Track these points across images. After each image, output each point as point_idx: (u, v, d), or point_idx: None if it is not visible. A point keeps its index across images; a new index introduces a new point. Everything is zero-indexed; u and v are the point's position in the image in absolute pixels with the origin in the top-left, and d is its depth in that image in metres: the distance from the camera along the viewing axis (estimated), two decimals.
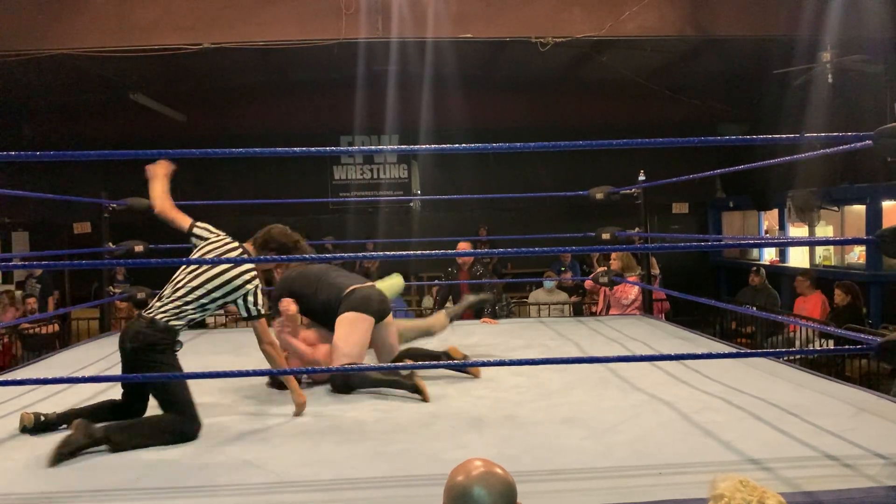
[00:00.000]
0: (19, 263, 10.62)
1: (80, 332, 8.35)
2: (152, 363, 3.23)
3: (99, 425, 3.04)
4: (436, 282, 7.05)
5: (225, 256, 3.51)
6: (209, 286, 3.39)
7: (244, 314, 3.52)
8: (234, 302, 3.48)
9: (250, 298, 3.47)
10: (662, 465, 2.74)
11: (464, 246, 6.88)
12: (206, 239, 3.63)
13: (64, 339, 8.58)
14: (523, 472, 2.54)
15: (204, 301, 3.39)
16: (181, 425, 3.19)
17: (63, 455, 2.90)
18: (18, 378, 4.19)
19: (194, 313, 3.39)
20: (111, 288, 6.73)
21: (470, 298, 5.23)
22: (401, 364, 4.07)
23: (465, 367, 4.20)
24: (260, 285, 3.54)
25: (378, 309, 4.24)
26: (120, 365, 3.43)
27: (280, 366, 3.59)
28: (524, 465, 2.72)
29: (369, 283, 4.44)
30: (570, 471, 2.73)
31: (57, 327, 8.84)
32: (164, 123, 12.40)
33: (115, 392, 3.63)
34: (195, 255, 3.52)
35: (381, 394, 3.96)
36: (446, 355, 4.37)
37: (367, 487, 2.64)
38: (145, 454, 3.04)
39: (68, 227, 12.30)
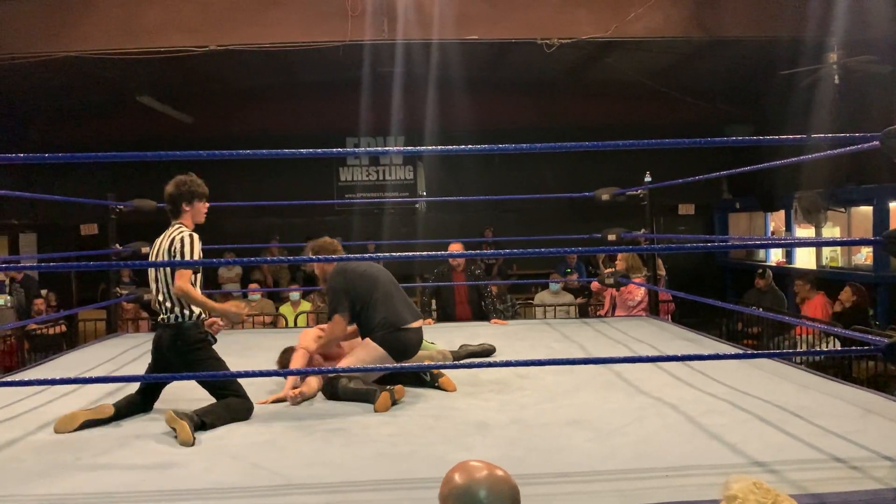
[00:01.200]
0: (22, 265, 10.64)
1: (86, 334, 8.38)
2: (199, 364, 3.58)
3: (192, 411, 3.34)
4: (428, 283, 6.96)
5: (186, 242, 3.64)
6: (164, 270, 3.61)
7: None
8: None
9: (177, 249, 3.59)
10: (668, 468, 2.73)
11: (456, 247, 6.77)
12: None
13: (71, 341, 8.62)
14: (528, 474, 2.54)
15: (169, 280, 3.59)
16: (244, 405, 3.57)
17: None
18: (26, 379, 4.21)
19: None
20: (118, 289, 6.76)
21: (474, 347, 5.01)
22: (386, 367, 4.02)
23: (445, 368, 4.10)
24: (191, 239, 3.63)
25: (407, 357, 4.21)
26: (128, 365, 3.49)
27: (196, 297, 3.61)
28: (529, 467, 2.72)
29: (419, 325, 4.31)
30: (575, 473, 2.73)
31: (64, 328, 8.88)
32: (171, 125, 12.44)
33: (124, 392, 3.80)
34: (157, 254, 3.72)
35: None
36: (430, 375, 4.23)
37: (372, 490, 2.64)
38: (151, 457, 3.05)
39: (76, 228, 12.34)
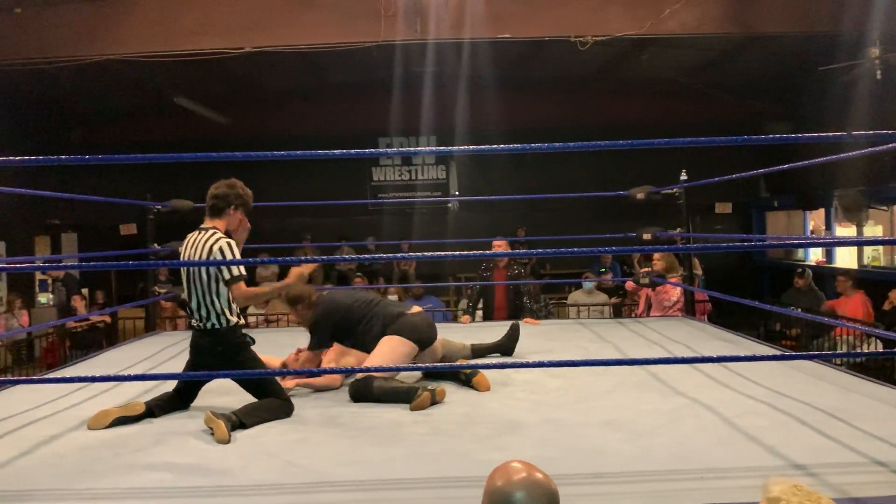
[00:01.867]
0: (64, 265, 10.87)
1: (126, 331, 8.55)
2: (241, 363, 3.64)
3: (231, 411, 3.40)
4: (471, 283, 6.97)
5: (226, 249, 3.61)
6: (202, 275, 3.61)
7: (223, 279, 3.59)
8: (218, 272, 3.59)
9: (221, 259, 3.56)
10: (703, 470, 2.70)
11: (500, 244, 6.77)
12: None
13: (111, 338, 8.80)
14: (562, 474, 2.52)
15: (213, 287, 3.59)
16: (284, 406, 3.62)
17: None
18: (67, 376, 4.31)
19: (221, 301, 3.62)
20: (156, 288, 6.87)
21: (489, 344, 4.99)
22: (413, 367, 4.08)
23: (479, 368, 4.10)
24: (230, 246, 3.59)
25: (425, 338, 4.22)
26: (166, 363, 3.55)
27: (262, 294, 3.91)
28: (563, 467, 2.70)
29: (419, 311, 4.36)
30: (609, 474, 2.70)
31: (107, 322, 9.05)
32: (207, 126, 12.62)
33: (162, 389, 3.88)
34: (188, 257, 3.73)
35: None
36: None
37: (404, 488, 2.65)
38: (188, 455, 3.10)
39: (115, 228, 12.60)
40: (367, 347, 4.16)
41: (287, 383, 4.02)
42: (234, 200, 3.77)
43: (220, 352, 3.63)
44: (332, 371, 4.13)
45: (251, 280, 11.08)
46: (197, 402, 3.79)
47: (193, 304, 3.66)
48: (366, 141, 12.74)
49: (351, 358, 4.37)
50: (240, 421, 3.37)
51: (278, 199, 7.88)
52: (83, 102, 11.51)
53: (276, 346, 4.89)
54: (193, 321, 3.70)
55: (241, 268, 3.60)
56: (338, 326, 4.23)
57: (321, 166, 12.84)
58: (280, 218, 13.02)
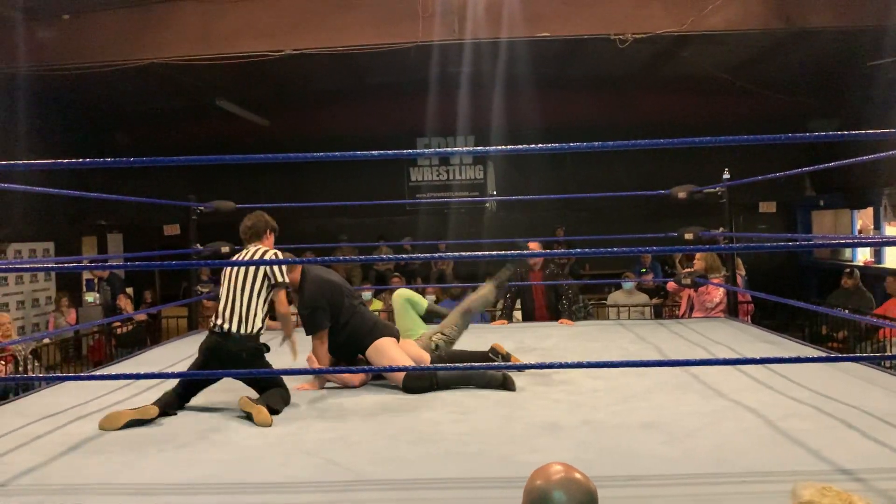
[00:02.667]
0: (109, 265, 11.12)
1: (169, 330, 8.71)
2: (261, 366, 3.90)
3: (259, 396, 3.69)
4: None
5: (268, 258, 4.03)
6: (254, 279, 3.93)
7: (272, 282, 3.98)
8: (267, 280, 3.96)
9: (276, 270, 3.98)
10: (745, 473, 2.65)
11: (534, 246, 6.72)
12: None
13: (155, 336, 8.98)
14: (600, 476, 2.49)
15: (258, 292, 3.90)
16: (287, 394, 3.86)
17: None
18: (113, 373, 4.40)
19: (256, 308, 3.91)
20: (199, 287, 6.98)
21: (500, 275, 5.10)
22: (458, 365, 4.21)
23: (517, 368, 4.19)
24: (278, 257, 4.03)
25: (396, 334, 4.49)
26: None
27: (289, 327, 4.13)
28: (601, 469, 2.68)
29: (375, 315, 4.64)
30: (648, 477, 2.67)
31: (150, 320, 9.23)
32: (248, 128, 12.80)
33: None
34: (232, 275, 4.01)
35: (457, 395, 3.98)
36: (493, 352, 4.46)
37: (441, 488, 2.66)
38: (230, 451, 3.15)
39: (159, 228, 12.85)
40: (343, 347, 4.33)
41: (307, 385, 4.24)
42: (267, 225, 4.22)
43: (245, 358, 3.84)
44: (355, 371, 4.20)
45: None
46: (194, 402, 3.88)
47: (231, 308, 3.87)
48: (403, 141, 12.79)
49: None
50: (270, 407, 3.60)
51: (317, 200, 8.01)
52: (128, 106, 11.76)
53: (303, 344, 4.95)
54: (223, 326, 3.86)
55: (286, 277, 4.02)
56: (331, 305, 4.27)
57: (359, 167, 12.91)
58: (320, 218, 13.16)
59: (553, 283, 6.53)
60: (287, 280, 4.04)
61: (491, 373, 4.09)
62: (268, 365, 3.98)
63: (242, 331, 3.85)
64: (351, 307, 4.34)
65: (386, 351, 4.25)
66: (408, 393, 4.05)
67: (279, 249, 4.18)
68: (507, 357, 4.47)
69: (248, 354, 3.85)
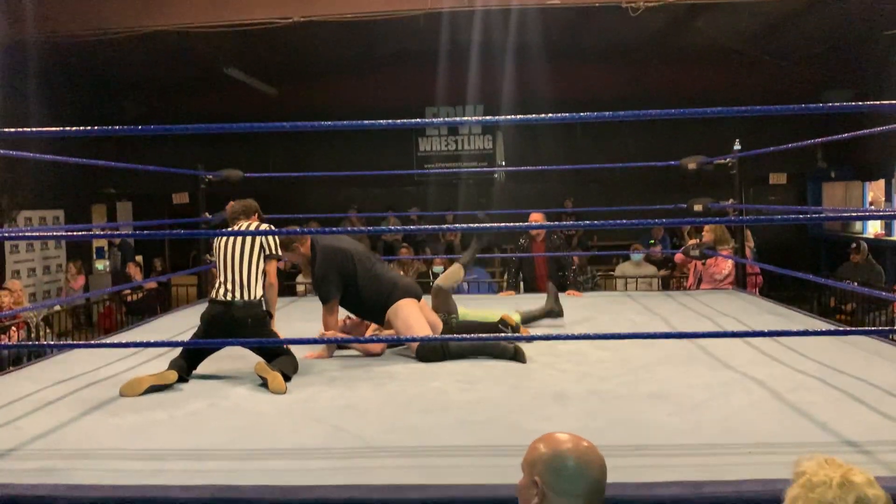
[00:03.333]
0: (119, 233, 11.17)
1: (178, 298, 8.76)
2: (265, 335, 3.91)
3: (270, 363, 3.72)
4: (510, 255, 6.91)
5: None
6: (241, 250, 4.00)
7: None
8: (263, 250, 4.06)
9: (272, 241, 4.08)
10: (752, 444, 2.66)
11: (536, 217, 6.65)
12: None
13: (164, 304, 9.04)
14: (607, 446, 2.50)
15: (255, 261, 3.98)
16: (297, 363, 3.88)
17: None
18: (123, 341, 4.45)
19: (257, 275, 3.98)
20: (208, 256, 7.01)
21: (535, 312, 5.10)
22: (471, 336, 4.21)
23: (525, 339, 4.20)
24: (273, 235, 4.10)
25: (419, 293, 4.47)
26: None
27: (273, 303, 4.17)
28: (608, 439, 2.69)
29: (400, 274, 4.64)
30: (655, 447, 2.69)
31: (156, 291, 9.29)
32: (257, 98, 12.73)
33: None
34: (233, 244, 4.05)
35: (465, 365, 4.01)
36: (502, 323, 4.47)
37: (450, 455, 2.68)
38: (240, 418, 3.18)
39: (168, 197, 12.86)
40: (367, 309, 4.38)
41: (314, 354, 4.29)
42: (256, 209, 4.35)
43: (251, 324, 3.88)
44: (368, 340, 4.21)
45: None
46: (203, 370, 3.92)
47: (231, 278, 3.93)
48: (412, 111, 12.69)
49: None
50: (284, 374, 3.67)
51: (326, 170, 7.98)
52: (137, 74, 11.71)
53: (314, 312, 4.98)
54: (226, 295, 3.90)
55: (279, 251, 4.14)
56: (342, 274, 4.29)
57: (368, 137, 12.87)
58: (328, 188, 13.14)
59: (553, 254, 6.48)
60: (279, 253, 4.13)
61: (503, 344, 4.12)
62: (273, 332, 4.03)
63: (245, 297, 3.90)
64: (366, 270, 4.33)
65: (403, 314, 4.26)
66: (420, 361, 4.09)
67: (284, 221, 4.28)
68: (515, 328, 4.50)
69: (252, 321, 3.89)
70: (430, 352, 4.10)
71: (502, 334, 4.41)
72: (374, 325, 4.55)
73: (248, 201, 4.38)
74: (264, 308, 4.03)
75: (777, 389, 3.35)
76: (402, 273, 4.60)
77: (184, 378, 3.75)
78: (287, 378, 3.68)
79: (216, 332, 3.89)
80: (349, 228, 10.21)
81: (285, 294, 7.49)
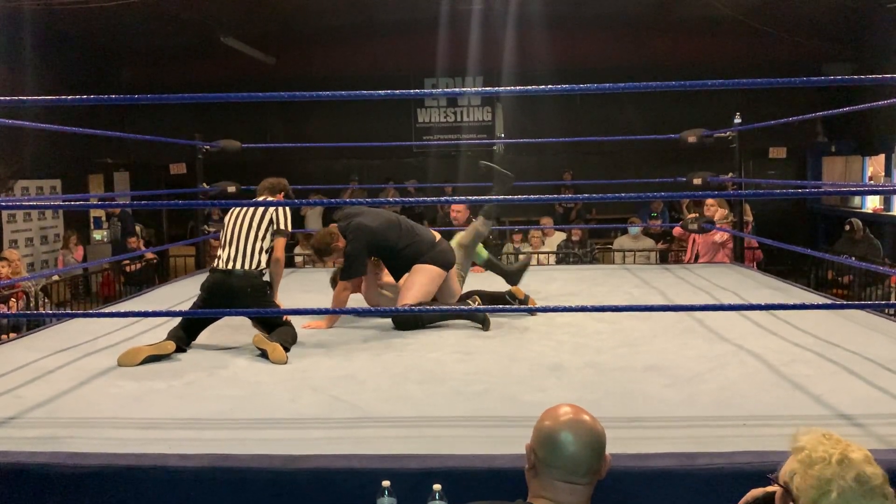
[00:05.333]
0: (117, 203, 11.14)
1: (177, 269, 8.77)
2: (266, 305, 3.96)
3: (269, 334, 3.74)
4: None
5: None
6: (251, 221, 4.04)
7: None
8: (273, 224, 4.08)
9: (281, 214, 4.10)
10: (747, 417, 2.68)
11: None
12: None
13: (162, 275, 9.04)
14: (603, 417, 2.50)
15: (263, 234, 4.01)
16: (295, 334, 3.91)
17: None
18: (122, 311, 4.46)
19: (262, 246, 4.02)
20: (206, 227, 7.00)
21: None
22: (465, 308, 4.31)
23: (531, 311, 4.22)
24: (286, 209, 4.14)
25: (450, 262, 4.52)
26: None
27: (278, 279, 4.25)
28: (604, 410, 2.69)
29: (439, 237, 4.62)
30: (651, 418, 2.71)
31: (157, 259, 9.30)
32: (254, 67, 12.63)
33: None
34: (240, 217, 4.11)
35: (463, 336, 4.03)
36: (510, 295, 4.51)
37: (446, 426, 2.70)
38: (238, 388, 3.20)
39: (165, 167, 12.82)
40: (400, 271, 4.47)
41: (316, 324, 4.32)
42: (284, 188, 4.44)
43: (251, 293, 3.90)
44: (357, 311, 4.24)
45: (296, 215, 11.36)
46: (202, 340, 3.93)
47: (234, 247, 3.97)
48: (412, 82, 12.60)
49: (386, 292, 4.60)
50: (283, 345, 3.67)
51: (324, 140, 7.93)
52: (133, 43, 11.60)
53: (313, 283, 4.97)
54: (228, 264, 3.94)
55: (289, 226, 4.14)
56: (372, 251, 4.39)
57: (366, 107, 12.77)
58: (326, 159, 13.08)
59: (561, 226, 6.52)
60: (289, 228, 4.14)
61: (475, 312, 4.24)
62: (273, 303, 4.05)
63: (246, 267, 3.92)
64: (406, 237, 4.40)
65: (411, 279, 4.38)
66: (396, 328, 4.20)
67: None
68: (524, 301, 4.49)
69: (252, 289, 3.90)
70: (403, 321, 4.20)
71: (508, 305, 4.47)
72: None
73: (279, 180, 4.44)
74: (265, 279, 4.03)
75: (772, 362, 3.37)
76: (438, 237, 4.54)
77: (182, 349, 3.76)
78: (286, 349, 3.69)
79: (216, 300, 3.89)
80: (347, 200, 10.18)
81: (284, 265, 7.49)
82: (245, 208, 4.14)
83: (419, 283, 4.35)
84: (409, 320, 4.19)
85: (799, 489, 1.44)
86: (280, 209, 4.10)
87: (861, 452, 1.44)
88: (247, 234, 4.00)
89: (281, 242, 4.16)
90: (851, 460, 1.42)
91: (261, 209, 4.08)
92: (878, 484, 1.40)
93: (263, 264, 4.01)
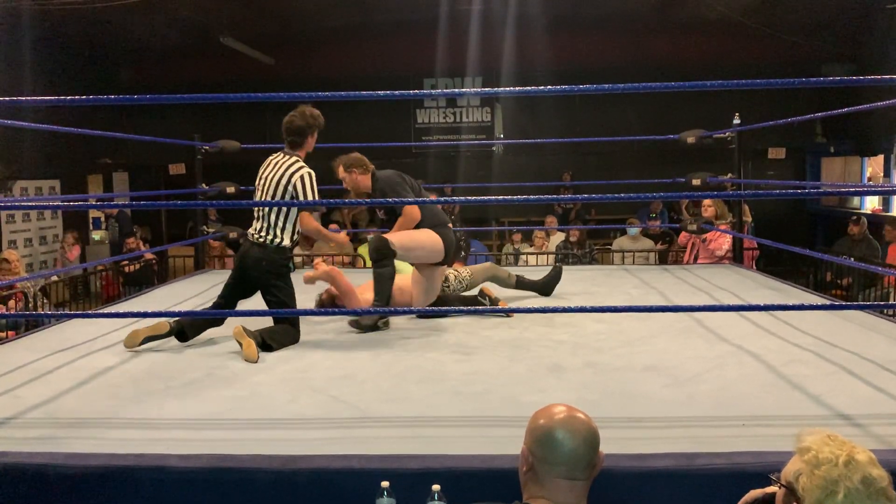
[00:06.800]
0: (116, 203, 11.13)
1: (176, 269, 8.75)
2: (273, 290, 3.88)
3: (257, 331, 3.67)
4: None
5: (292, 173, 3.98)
6: (272, 191, 3.93)
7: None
8: (294, 194, 3.90)
9: (299, 188, 3.90)
10: (746, 417, 2.68)
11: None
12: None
13: (162, 276, 9.03)
14: (602, 417, 2.52)
15: (288, 212, 3.90)
16: (295, 334, 3.89)
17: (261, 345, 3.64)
18: (121, 311, 4.45)
19: (283, 222, 3.89)
20: (205, 227, 6.99)
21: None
22: (436, 308, 4.41)
23: (502, 311, 4.22)
24: (311, 179, 3.95)
25: (450, 253, 4.51)
26: (211, 301, 3.68)
27: (325, 237, 4.36)
28: (603, 410, 2.71)
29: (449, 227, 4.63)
30: (649, 419, 2.71)
31: (155, 262, 9.29)
32: (252, 67, 12.62)
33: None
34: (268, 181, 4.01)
35: (462, 336, 4.03)
36: (482, 294, 4.61)
37: (446, 426, 2.70)
38: (237, 388, 3.20)
39: (164, 168, 12.80)
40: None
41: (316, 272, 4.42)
42: (312, 130, 4.14)
43: (264, 266, 3.87)
44: (354, 312, 4.25)
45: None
46: (202, 338, 3.97)
47: (259, 218, 3.93)
48: (411, 82, 12.60)
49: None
50: (263, 341, 3.67)
51: (323, 141, 7.83)
52: (132, 42, 11.59)
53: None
54: (252, 234, 3.95)
55: (315, 195, 3.94)
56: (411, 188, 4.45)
57: (365, 108, 12.76)
58: (325, 160, 13.06)
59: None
60: (316, 197, 3.94)
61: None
62: (289, 286, 3.95)
63: (267, 241, 3.88)
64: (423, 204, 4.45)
65: (422, 233, 4.41)
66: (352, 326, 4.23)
67: None
68: (494, 301, 4.59)
69: (267, 263, 3.86)
70: (359, 323, 4.20)
71: (480, 306, 4.54)
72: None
73: (301, 114, 4.19)
74: (286, 257, 3.97)
75: (772, 363, 3.37)
76: (450, 227, 4.59)
77: (183, 333, 3.84)
78: (268, 347, 3.66)
79: (238, 271, 3.95)
80: (346, 200, 10.17)
81: None
82: (269, 175, 4.00)
83: (419, 240, 4.34)
84: (380, 249, 4.19)
85: (805, 489, 1.44)
86: (299, 182, 3.90)
87: (866, 454, 1.45)
88: (269, 207, 3.90)
89: (306, 217, 4.03)
90: (858, 462, 1.42)
91: (283, 180, 3.91)
92: (884, 486, 1.40)
93: (286, 241, 3.90)
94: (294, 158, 4.03)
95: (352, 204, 4.91)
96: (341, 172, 4.53)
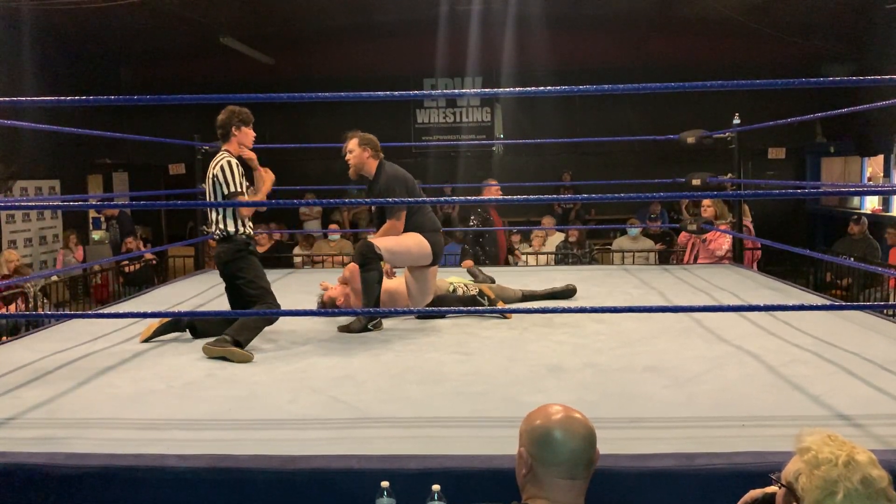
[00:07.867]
0: (116, 203, 11.12)
1: (175, 269, 8.76)
2: (238, 274, 3.91)
3: (223, 335, 3.69)
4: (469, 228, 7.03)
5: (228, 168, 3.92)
6: (209, 187, 3.94)
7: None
8: (219, 188, 3.89)
9: (220, 179, 3.87)
10: (745, 417, 2.68)
11: (493, 191, 6.79)
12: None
13: (161, 276, 9.03)
14: (602, 418, 2.53)
15: (215, 201, 3.90)
16: (263, 321, 3.87)
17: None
18: (121, 311, 4.45)
19: (221, 215, 3.91)
20: (204, 227, 6.98)
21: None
22: (434, 308, 4.42)
23: (500, 312, 4.21)
24: (229, 167, 3.88)
25: (438, 255, 4.53)
26: (214, 300, 3.68)
27: (258, 200, 4.11)
28: (603, 411, 2.72)
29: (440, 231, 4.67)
30: (649, 419, 2.71)
31: (154, 263, 9.29)
32: (252, 67, 12.62)
33: None
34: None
35: (462, 336, 4.03)
36: (480, 294, 4.60)
37: (446, 426, 2.70)
38: (237, 388, 3.20)
39: (164, 168, 12.80)
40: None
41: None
42: (234, 123, 4.02)
43: (223, 258, 3.94)
44: (344, 313, 4.25)
45: (295, 214, 11.37)
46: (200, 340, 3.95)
47: (209, 217, 4.08)
48: (411, 82, 12.60)
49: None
50: (234, 340, 3.66)
51: (323, 141, 7.85)
52: (132, 42, 11.59)
53: (312, 284, 5.00)
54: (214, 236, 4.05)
55: (237, 184, 3.87)
56: (408, 191, 4.44)
57: (365, 108, 12.75)
58: (325, 160, 13.05)
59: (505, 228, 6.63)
60: (235, 188, 3.85)
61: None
62: (250, 265, 3.94)
63: (216, 236, 3.96)
64: (422, 208, 4.48)
65: (410, 238, 4.41)
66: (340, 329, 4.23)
67: (284, 189, 4.23)
68: (493, 301, 4.59)
69: (224, 254, 3.92)
70: (348, 327, 4.21)
71: (480, 307, 4.55)
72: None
73: (224, 114, 4.04)
74: (239, 241, 3.92)
75: (771, 363, 3.37)
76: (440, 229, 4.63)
77: (190, 327, 4.01)
78: (237, 344, 3.65)
79: (218, 269, 4.04)
80: (347, 200, 10.18)
81: (283, 266, 7.50)
82: (207, 174, 3.98)
83: (404, 243, 4.35)
84: (365, 255, 4.20)
85: (804, 489, 1.44)
86: (220, 173, 3.86)
87: (866, 455, 1.45)
88: (212, 200, 3.93)
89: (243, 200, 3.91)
90: (858, 462, 1.42)
91: (210, 175, 3.91)
92: (883, 487, 1.40)
93: (230, 227, 3.88)
94: (221, 153, 4.02)
95: (352, 204, 4.92)
96: (353, 144, 4.50)
